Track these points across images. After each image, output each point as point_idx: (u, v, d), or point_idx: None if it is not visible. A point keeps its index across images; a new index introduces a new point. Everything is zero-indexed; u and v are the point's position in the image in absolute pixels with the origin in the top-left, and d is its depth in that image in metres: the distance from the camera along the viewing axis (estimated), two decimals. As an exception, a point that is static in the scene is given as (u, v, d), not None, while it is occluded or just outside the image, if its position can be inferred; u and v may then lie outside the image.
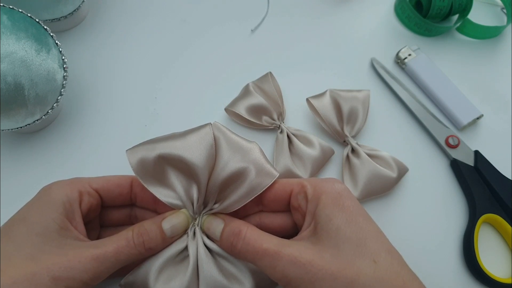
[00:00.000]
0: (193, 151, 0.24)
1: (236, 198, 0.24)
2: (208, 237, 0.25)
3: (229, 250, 0.23)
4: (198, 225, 0.25)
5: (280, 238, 0.22)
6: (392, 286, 0.20)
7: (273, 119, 0.34)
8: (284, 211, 0.26)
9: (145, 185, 0.24)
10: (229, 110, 0.34)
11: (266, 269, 0.21)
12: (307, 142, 0.33)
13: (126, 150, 0.25)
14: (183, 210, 0.25)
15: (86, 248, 0.22)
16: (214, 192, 0.25)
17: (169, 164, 0.25)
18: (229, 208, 0.25)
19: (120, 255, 0.22)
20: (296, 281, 0.20)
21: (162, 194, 0.25)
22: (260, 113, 0.34)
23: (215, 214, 0.25)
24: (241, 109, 0.33)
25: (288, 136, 0.33)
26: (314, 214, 0.23)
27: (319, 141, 0.33)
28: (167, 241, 0.24)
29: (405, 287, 0.20)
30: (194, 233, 0.25)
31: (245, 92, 0.34)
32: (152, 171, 0.25)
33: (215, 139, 0.25)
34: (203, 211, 0.25)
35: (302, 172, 0.32)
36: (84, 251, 0.21)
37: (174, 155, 0.24)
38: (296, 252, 0.21)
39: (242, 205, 0.25)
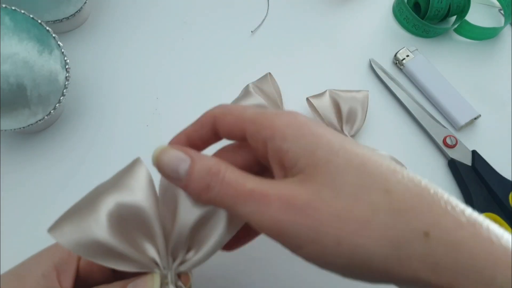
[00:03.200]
0: (131, 193, 0.19)
1: (218, 238, 0.19)
2: None
3: (201, 193, 0.18)
4: (172, 283, 0.20)
5: (263, 178, 0.18)
6: (418, 216, 0.15)
7: None
8: (244, 146, 0.21)
9: (95, 261, 0.18)
10: None
11: (251, 216, 0.17)
12: None
13: (49, 230, 0.18)
14: (152, 274, 0.20)
15: None
16: (183, 239, 0.19)
17: (111, 226, 0.19)
18: (207, 256, 0.20)
19: None
20: (291, 229, 0.16)
21: (118, 264, 0.19)
22: None
23: (172, 145, 0.20)
24: None
25: None
26: (281, 152, 0.17)
27: None
28: None
29: (434, 212, 0.15)
30: None
31: (245, 93, 0.35)
32: (95, 246, 0.18)
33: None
34: (174, 264, 0.20)
35: None
36: None
37: (112, 209, 0.19)
38: (288, 192, 0.16)
39: (224, 243, 0.20)
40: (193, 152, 0.19)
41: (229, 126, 0.20)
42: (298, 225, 0.16)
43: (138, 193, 0.19)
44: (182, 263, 0.20)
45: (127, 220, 0.19)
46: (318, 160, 0.17)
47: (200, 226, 0.20)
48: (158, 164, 0.18)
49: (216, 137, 0.21)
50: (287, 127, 0.18)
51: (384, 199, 0.16)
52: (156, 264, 0.20)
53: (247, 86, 0.35)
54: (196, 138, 0.21)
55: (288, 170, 0.17)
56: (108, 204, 0.19)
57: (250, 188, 0.17)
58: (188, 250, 0.20)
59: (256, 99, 0.34)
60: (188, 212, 0.19)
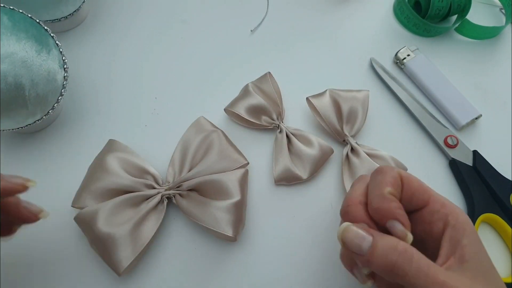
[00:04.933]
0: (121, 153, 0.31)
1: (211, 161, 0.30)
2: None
3: (386, 271, 0.20)
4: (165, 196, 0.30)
5: (444, 269, 0.21)
6: None
7: (273, 119, 0.34)
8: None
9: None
10: (229, 111, 0.34)
11: None
12: (306, 141, 0.33)
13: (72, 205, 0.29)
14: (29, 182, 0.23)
15: None
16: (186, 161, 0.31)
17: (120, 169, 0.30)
18: (204, 171, 0.30)
19: None
20: None
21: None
22: (260, 113, 0.34)
23: (354, 224, 0.22)
24: (241, 110, 0.33)
25: (287, 135, 0.33)
26: (460, 244, 0.21)
27: (318, 140, 0.33)
28: None
29: None
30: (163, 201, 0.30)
31: (245, 92, 0.35)
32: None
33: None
34: (175, 181, 0.30)
35: (302, 171, 0.32)
36: None
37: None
38: (462, 286, 0.20)
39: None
40: (374, 231, 0.22)
41: (414, 189, 0.24)
42: None
43: (125, 152, 0.31)
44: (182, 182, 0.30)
45: (127, 166, 0.30)
46: (482, 268, 0.21)
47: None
48: (343, 240, 0.22)
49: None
50: (468, 226, 0.22)
51: None
52: (153, 187, 0.30)
53: (247, 85, 0.35)
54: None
55: (458, 260, 0.21)
56: (111, 161, 0.30)
57: (443, 280, 0.19)
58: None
59: (256, 98, 0.34)
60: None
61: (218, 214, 0.28)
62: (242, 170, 0.30)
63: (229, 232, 0.27)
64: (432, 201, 0.23)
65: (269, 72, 0.36)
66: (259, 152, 0.34)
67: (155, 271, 0.29)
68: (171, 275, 0.29)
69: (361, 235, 0.21)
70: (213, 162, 0.30)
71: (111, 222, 0.27)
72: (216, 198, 0.28)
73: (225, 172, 0.30)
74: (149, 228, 0.28)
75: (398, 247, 0.20)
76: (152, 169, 0.30)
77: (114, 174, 0.29)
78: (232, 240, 0.29)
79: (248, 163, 0.31)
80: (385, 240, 0.21)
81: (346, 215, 0.24)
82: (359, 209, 0.23)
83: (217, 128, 0.32)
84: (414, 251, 0.20)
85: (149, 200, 0.29)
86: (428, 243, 0.23)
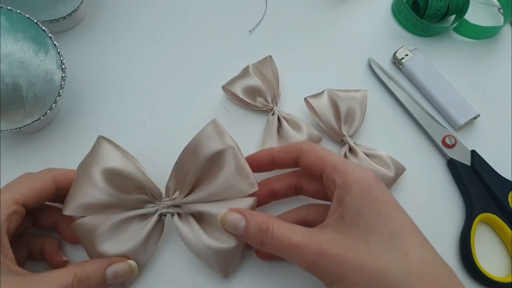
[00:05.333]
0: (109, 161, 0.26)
1: (213, 190, 0.26)
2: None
3: (257, 246, 0.23)
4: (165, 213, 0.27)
5: (305, 228, 0.23)
6: (422, 280, 0.20)
7: (267, 101, 0.35)
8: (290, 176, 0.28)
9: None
10: (226, 88, 0.35)
11: (295, 261, 0.22)
12: (296, 126, 0.34)
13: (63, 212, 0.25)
14: (130, 261, 0.25)
15: None
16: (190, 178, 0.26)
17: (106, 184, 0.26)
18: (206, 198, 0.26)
19: None
20: (325, 272, 0.21)
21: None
22: (255, 95, 0.35)
23: (232, 209, 0.25)
24: (237, 89, 0.34)
25: (279, 119, 0.34)
26: (342, 201, 0.23)
27: (308, 127, 0.33)
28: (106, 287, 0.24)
29: (436, 282, 0.20)
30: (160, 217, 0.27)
31: (244, 72, 0.36)
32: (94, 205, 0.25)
33: None
34: (172, 199, 0.27)
35: None
36: None
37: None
38: (324, 244, 0.21)
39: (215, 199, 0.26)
40: (247, 212, 0.24)
41: (310, 162, 0.25)
42: (329, 270, 0.21)
43: (115, 161, 0.25)
44: (176, 199, 0.27)
45: (115, 179, 0.25)
46: (361, 220, 0.22)
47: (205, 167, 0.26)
48: (223, 223, 0.24)
49: (295, 165, 0.27)
50: (355, 184, 0.23)
51: (401, 261, 0.20)
52: (149, 201, 0.27)
53: (247, 66, 0.36)
54: (278, 159, 0.27)
55: (338, 216, 0.23)
56: (96, 173, 0.25)
57: (295, 242, 0.21)
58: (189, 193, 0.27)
59: (253, 79, 0.35)
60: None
61: (210, 255, 0.25)
62: (250, 200, 0.26)
63: (219, 274, 0.27)
64: (326, 167, 0.24)
65: (270, 56, 0.37)
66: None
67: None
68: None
69: (238, 217, 0.23)
70: (220, 187, 0.26)
71: (110, 241, 0.25)
72: (213, 236, 0.26)
73: (231, 199, 0.26)
74: (149, 249, 0.26)
75: (261, 226, 0.23)
76: (149, 182, 0.26)
77: (100, 189, 0.25)
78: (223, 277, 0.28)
79: (257, 190, 0.27)
80: (255, 221, 0.23)
81: (252, 158, 0.28)
82: (267, 153, 0.28)
83: (231, 139, 0.27)
84: (275, 225, 0.22)
85: (146, 219, 0.26)
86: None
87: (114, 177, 0.25)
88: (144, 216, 0.27)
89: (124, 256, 0.25)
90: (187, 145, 0.26)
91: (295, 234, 0.22)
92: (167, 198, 0.27)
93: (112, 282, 0.24)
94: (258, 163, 0.28)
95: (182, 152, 0.26)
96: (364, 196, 0.22)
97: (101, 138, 0.27)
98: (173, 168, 0.27)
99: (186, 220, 0.27)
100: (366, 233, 0.21)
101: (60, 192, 0.26)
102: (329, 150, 0.26)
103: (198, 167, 0.26)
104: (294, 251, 0.21)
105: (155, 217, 0.26)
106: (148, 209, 0.27)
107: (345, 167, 0.24)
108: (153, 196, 0.27)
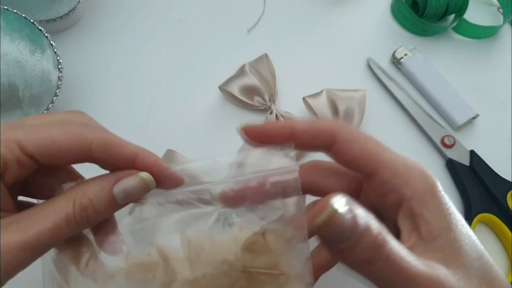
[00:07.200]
0: None
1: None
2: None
3: (363, 267, 0.17)
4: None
5: (419, 257, 0.17)
6: None
7: (265, 100, 0.35)
8: (346, 175, 0.21)
9: None
10: (223, 89, 0.35)
11: None
12: None
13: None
14: (141, 173, 0.19)
15: (9, 232, 0.15)
16: None
17: None
18: None
19: (56, 236, 0.16)
20: None
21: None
22: (252, 94, 0.35)
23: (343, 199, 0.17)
24: (234, 89, 0.34)
25: (277, 117, 0.34)
26: (423, 218, 0.17)
27: None
28: (118, 209, 0.18)
29: None
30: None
31: (240, 72, 0.35)
32: None
33: None
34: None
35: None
36: (7, 236, 0.15)
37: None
38: (444, 278, 0.16)
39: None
40: (364, 218, 0.16)
41: (354, 157, 0.19)
42: None
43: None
44: None
45: None
46: (454, 243, 0.17)
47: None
48: (330, 222, 0.16)
49: (321, 150, 0.20)
50: (425, 193, 0.18)
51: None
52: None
53: (243, 65, 0.36)
54: (302, 140, 0.20)
55: (425, 239, 0.17)
56: None
57: (415, 274, 0.16)
58: None
59: (250, 78, 0.35)
60: None
61: None
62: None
63: None
64: (382, 169, 0.19)
65: (265, 54, 0.37)
66: None
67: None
68: None
69: (350, 222, 0.16)
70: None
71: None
72: None
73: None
74: None
75: (377, 241, 0.16)
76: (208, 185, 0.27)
77: None
78: None
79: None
80: (369, 235, 0.16)
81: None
82: (287, 127, 0.20)
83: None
84: (391, 244, 0.16)
85: (206, 217, 0.27)
86: (385, 218, 0.20)
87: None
88: (203, 216, 0.27)
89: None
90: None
91: (413, 261, 0.16)
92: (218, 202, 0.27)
93: (124, 201, 0.18)
94: (272, 135, 0.20)
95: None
96: (443, 212, 0.17)
97: (169, 150, 0.30)
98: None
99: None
100: (463, 257, 0.17)
101: (94, 161, 0.18)
102: (376, 139, 0.20)
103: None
104: (412, 285, 0.16)
105: (214, 216, 0.26)
106: (208, 207, 0.27)
107: (409, 172, 0.18)
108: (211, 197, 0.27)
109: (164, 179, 0.19)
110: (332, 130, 0.19)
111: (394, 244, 0.16)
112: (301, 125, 0.20)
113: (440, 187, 0.18)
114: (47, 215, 0.16)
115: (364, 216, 0.16)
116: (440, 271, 0.16)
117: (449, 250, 0.17)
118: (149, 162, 0.18)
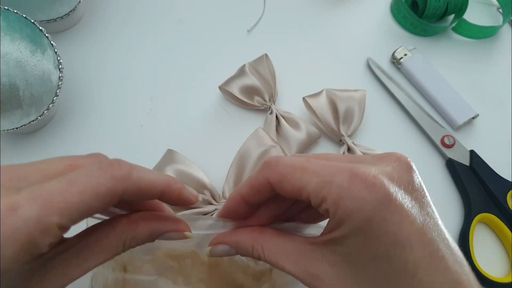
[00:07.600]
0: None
1: None
2: None
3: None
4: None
5: (298, 248, 0.20)
6: None
7: (265, 100, 0.35)
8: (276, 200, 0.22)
9: None
10: (223, 89, 0.35)
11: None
12: (295, 124, 0.34)
13: None
14: (187, 233, 0.21)
15: (70, 268, 0.17)
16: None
17: None
18: None
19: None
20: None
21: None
22: (253, 94, 0.35)
23: (214, 240, 0.22)
24: (234, 89, 0.34)
25: (277, 117, 0.34)
26: (342, 222, 0.18)
27: (306, 125, 0.34)
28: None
29: None
30: None
31: (241, 72, 0.36)
32: None
33: None
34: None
35: (287, 153, 0.33)
36: (73, 272, 0.17)
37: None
38: (318, 269, 0.19)
39: None
40: (231, 240, 0.21)
41: (289, 195, 0.19)
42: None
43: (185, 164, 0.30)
44: None
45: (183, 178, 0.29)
46: (359, 258, 0.18)
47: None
48: (214, 256, 0.22)
49: (273, 194, 0.21)
50: (349, 218, 0.18)
51: None
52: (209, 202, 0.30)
53: (244, 65, 0.36)
54: (252, 201, 0.21)
55: (332, 240, 0.19)
56: (170, 172, 0.30)
57: (287, 271, 0.19)
58: None
59: (250, 78, 0.35)
60: None
61: None
62: None
63: None
64: (311, 198, 0.18)
65: (265, 54, 0.37)
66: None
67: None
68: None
69: (225, 249, 0.21)
70: None
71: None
72: None
73: None
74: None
75: (253, 253, 0.20)
76: (210, 184, 0.30)
77: None
78: None
79: None
80: (242, 248, 0.21)
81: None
82: (238, 198, 0.21)
83: (276, 143, 0.31)
84: (264, 247, 0.20)
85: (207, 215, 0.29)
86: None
87: (182, 176, 0.30)
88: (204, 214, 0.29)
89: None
90: (238, 150, 0.31)
91: (287, 260, 0.19)
92: (224, 200, 0.30)
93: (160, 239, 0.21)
94: (233, 212, 0.22)
95: (235, 156, 0.31)
96: (360, 234, 0.18)
97: (169, 150, 0.31)
98: (228, 171, 0.30)
99: None
100: (362, 267, 0.18)
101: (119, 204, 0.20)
102: (305, 160, 0.19)
103: (250, 169, 0.29)
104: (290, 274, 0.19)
105: (214, 215, 0.28)
106: (208, 206, 0.29)
107: (339, 195, 0.18)
108: (212, 197, 0.30)
109: (182, 204, 0.21)
110: (263, 181, 0.20)
111: (269, 252, 0.20)
112: (244, 190, 0.21)
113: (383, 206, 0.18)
114: (100, 254, 0.18)
115: (240, 243, 0.21)
116: (313, 269, 0.19)
117: (345, 256, 0.18)
118: (173, 197, 0.20)
